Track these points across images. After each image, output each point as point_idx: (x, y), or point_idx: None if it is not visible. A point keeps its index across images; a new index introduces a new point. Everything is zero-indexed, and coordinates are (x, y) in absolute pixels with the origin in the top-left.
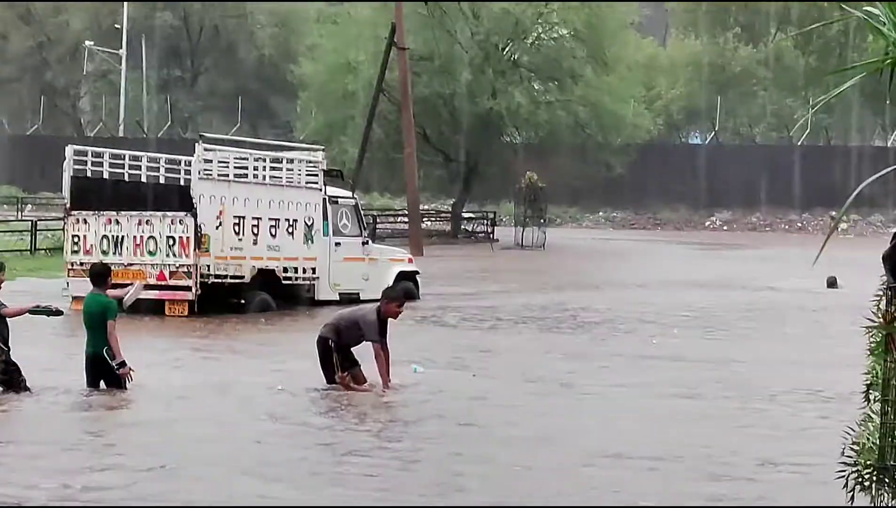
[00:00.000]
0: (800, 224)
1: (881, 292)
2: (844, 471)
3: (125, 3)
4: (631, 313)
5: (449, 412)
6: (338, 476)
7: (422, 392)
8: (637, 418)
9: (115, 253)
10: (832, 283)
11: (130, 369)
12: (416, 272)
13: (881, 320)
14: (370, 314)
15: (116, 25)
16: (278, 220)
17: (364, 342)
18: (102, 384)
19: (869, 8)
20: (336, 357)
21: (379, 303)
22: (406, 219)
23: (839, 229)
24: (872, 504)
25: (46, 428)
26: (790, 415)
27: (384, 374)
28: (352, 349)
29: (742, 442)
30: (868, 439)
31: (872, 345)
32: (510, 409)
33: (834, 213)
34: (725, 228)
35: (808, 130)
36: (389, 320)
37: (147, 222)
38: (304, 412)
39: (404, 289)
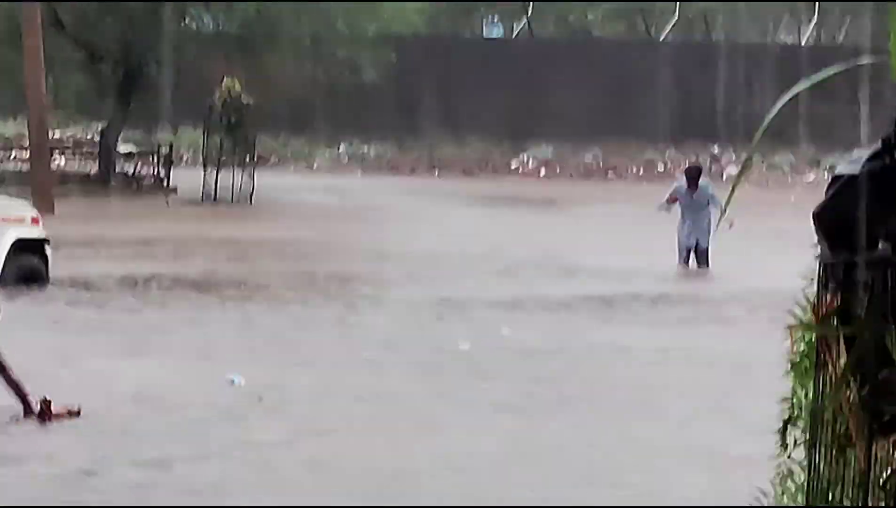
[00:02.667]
0: (662, 166)
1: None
2: None
3: None
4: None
5: None
6: None
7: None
8: None
9: None
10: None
11: None
12: (46, 241)
13: (810, 314)
14: None
15: None
16: None
17: None
18: None
19: None
20: None
21: None
22: (26, 155)
23: (722, 174)
24: None
25: None
26: None
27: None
28: None
29: None
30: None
31: (793, 356)
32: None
33: (717, 149)
34: (543, 172)
35: (676, 19)
36: None
37: None
38: None
39: (23, 270)
